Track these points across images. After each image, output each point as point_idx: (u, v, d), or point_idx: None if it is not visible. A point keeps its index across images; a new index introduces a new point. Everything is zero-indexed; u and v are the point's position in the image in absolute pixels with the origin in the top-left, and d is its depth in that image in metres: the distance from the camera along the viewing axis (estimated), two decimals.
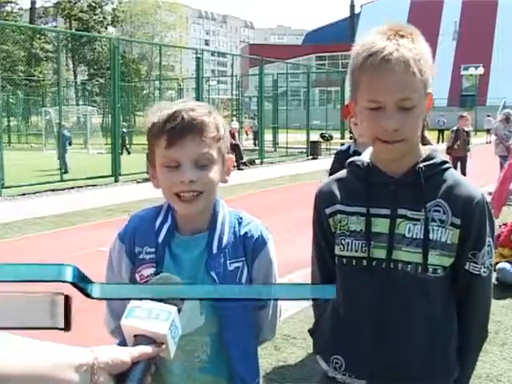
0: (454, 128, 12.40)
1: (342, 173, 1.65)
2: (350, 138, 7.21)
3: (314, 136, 24.04)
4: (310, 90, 25.64)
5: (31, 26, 37.94)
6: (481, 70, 46.07)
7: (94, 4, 49.21)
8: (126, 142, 24.40)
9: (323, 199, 1.63)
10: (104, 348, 1.06)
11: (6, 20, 35.26)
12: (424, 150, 1.55)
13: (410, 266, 1.49)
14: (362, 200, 1.53)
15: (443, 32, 57.97)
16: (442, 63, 55.26)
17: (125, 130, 24.10)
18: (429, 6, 57.93)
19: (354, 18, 33.40)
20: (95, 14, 48.97)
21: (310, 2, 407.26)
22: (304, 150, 23.28)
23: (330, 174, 4.42)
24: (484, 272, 1.52)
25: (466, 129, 12.35)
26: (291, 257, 6.41)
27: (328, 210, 1.60)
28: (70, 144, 17.40)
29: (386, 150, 1.49)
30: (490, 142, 21.25)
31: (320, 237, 1.65)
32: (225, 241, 1.56)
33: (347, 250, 1.55)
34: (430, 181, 1.50)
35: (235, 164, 17.69)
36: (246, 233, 1.58)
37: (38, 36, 40.59)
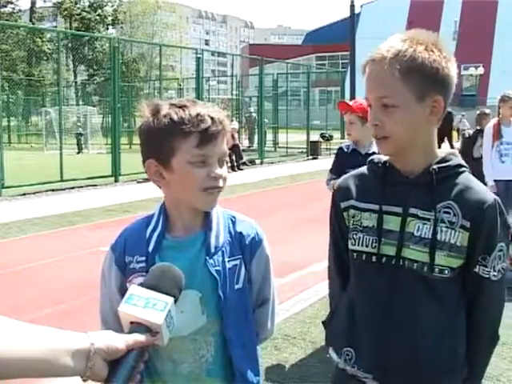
0: None
1: (363, 169, 1.69)
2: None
3: (314, 136, 24.06)
4: (309, 90, 25.65)
5: (31, 25, 37.94)
6: (481, 70, 46.13)
7: (95, 4, 49.14)
8: (82, 141, 26.56)
9: (340, 193, 1.68)
10: (100, 334, 1.08)
11: (6, 21, 35.18)
12: (441, 153, 1.59)
13: (416, 264, 1.51)
14: (376, 197, 1.58)
15: (443, 32, 57.90)
16: None
17: (81, 130, 26.77)
18: (429, 5, 57.89)
19: (353, 17, 33.36)
20: (98, 15, 48.87)
21: (309, 2, 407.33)
22: (304, 150, 23.29)
23: (331, 170, 4.49)
24: (494, 276, 1.53)
25: None
26: (291, 257, 6.42)
27: (343, 204, 1.65)
28: None
29: (378, 146, 1.58)
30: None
31: (337, 230, 1.70)
32: (221, 239, 1.57)
33: (358, 245, 1.59)
34: (442, 182, 1.52)
35: (235, 164, 17.73)
36: (241, 231, 1.61)
37: (39, 36, 40.52)
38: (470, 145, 7.20)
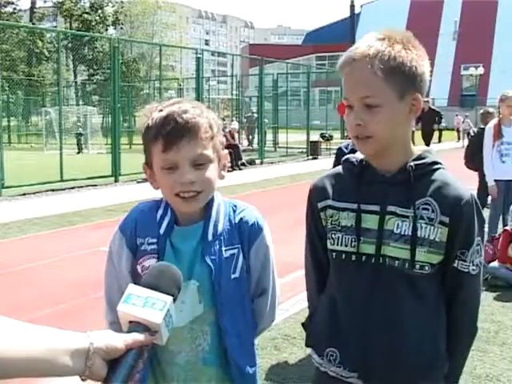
0: None
1: (338, 169, 1.69)
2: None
3: (314, 136, 24.06)
4: (309, 90, 25.65)
5: (32, 25, 37.93)
6: (481, 70, 46.08)
7: (95, 5, 49.09)
8: (82, 141, 26.74)
9: (316, 193, 1.68)
10: (99, 333, 1.08)
11: (7, 21, 35.19)
12: (417, 151, 1.60)
13: (397, 261, 1.52)
14: (354, 196, 1.58)
15: (443, 32, 57.97)
16: (442, 63, 55.24)
17: (81, 130, 27.01)
18: (429, 5, 57.91)
19: (353, 17, 33.48)
20: (98, 16, 48.79)
21: (309, 2, 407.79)
22: (304, 150, 23.30)
23: None
24: (473, 270, 1.56)
25: None
26: (291, 256, 6.41)
27: (320, 205, 1.65)
28: None
29: (359, 146, 1.56)
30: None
31: (313, 230, 1.70)
32: (220, 228, 1.58)
33: (337, 245, 1.59)
34: (419, 179, 1.54)
35: (234, 164, 17.73)
36: (240, 219, 1.61)
37: (39, 38, 40.52)
38: (476, 142, 7.19)
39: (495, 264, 5.74)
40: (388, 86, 1.48)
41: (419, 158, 1.57)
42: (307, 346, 1.75)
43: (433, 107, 15.85)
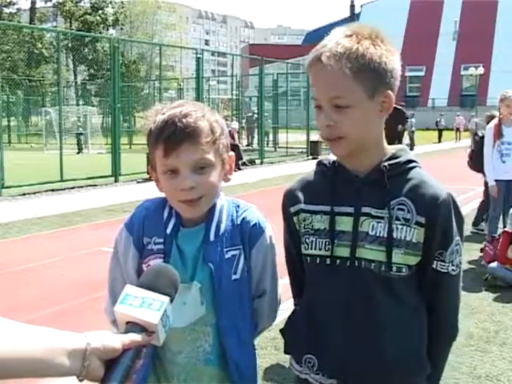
0: None
1: (311, 172, 1.66)
2: None
3: (314, 136, 24.06)
4: (310, 90, 25.64)
5: (32, 26, 37.93)
6: (481, 70, 46.03)
7: (96, 6, 49.06)
8: (82, 141, 26.89)
9: (289, 198, 1.64)
10: (96, 333, 1.08)
11: (9, 21, 35.19)
12: (391, 150, 1.55)
13: (373, 264, 1.47)
14: (327, 198, 1.53)
15: (443, 32, 57.96)
16: (442, 63, 55.27)
17: (81, 130, 27.23)
18: (429, 5, 57.91)
19: (354, 18, 33.49)
20: (99, 16, 48.75)
21: (309, 2, 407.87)
22: (304, 150, 23.29)
23: None
24: (453, 270, 1.51)
25: None
26: None
27: (292, 209, 1.61)
28: None
29: (331, 148, 1.51)
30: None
31: (287, 235, 1.66)
32: (222, 229, 1.57)
33: (311, 249, 1.55)
34: (394, 179, 1.49)
35: (234, 164, 17.74)
36: (243, 219, 1.60)
37: (39, 38, 40.53)
38: (482, 144, 7.17)
39: (495, 264, 5.74)
40: (357, 85, 1.41)
41: (393, 157, 1.51)
42: (286, 352, 1.71)
43: (397, 106, 15.30)
